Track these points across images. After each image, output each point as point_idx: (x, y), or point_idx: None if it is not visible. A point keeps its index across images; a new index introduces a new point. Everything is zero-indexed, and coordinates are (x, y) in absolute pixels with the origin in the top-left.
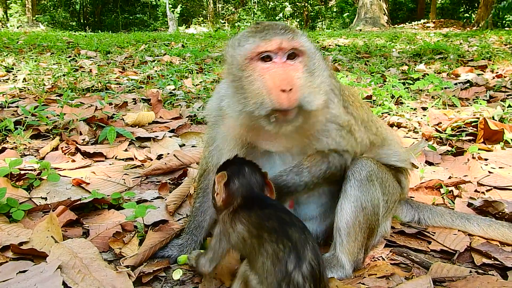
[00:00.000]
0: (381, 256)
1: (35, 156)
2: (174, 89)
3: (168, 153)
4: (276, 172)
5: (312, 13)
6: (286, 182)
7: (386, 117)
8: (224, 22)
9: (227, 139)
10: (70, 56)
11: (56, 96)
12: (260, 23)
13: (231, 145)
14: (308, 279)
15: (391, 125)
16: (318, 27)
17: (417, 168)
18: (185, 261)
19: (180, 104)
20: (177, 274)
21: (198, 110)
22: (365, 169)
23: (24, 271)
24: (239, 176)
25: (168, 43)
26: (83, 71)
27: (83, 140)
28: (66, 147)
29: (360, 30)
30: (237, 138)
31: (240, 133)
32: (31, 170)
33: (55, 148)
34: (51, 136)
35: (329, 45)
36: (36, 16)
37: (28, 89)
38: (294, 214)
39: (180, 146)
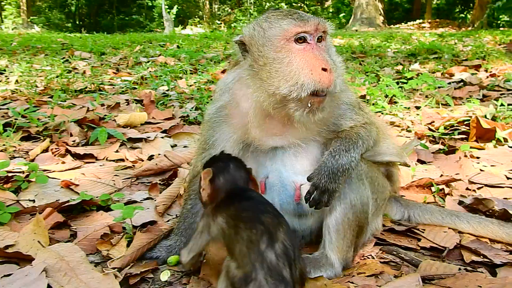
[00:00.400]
0: (371, 255)
1: (25, 158)
2: (167, 90)
3: (159, 154)
4: (283, 170)
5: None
6: (340, 161)
7: (379, 116)
8: (220, 23)
9: (230, 140)
10: (64, 58)
11: (48, 98)
12: (282, 9)
13: (234, 145)
14: (281, 257)
15: None
16: None
17: (409, 166)
18: (175, 262)
19: (173, 105)
20: (165, 276)
21: (191, 110)
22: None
23: (9, 275)
24: (224, 172)
25: (164, 44)
26: (77, 73)
27: (74, 141)
28: (56, 148)
29: (356, 30)
30: (243, 137)
31: (246, 129)
32: (19, 172)
33: (45, 150)
34: (42, 138)
35: None
36: (31, 17)
37: (20, 91)
38: (271, 203)
39: (172, 146)
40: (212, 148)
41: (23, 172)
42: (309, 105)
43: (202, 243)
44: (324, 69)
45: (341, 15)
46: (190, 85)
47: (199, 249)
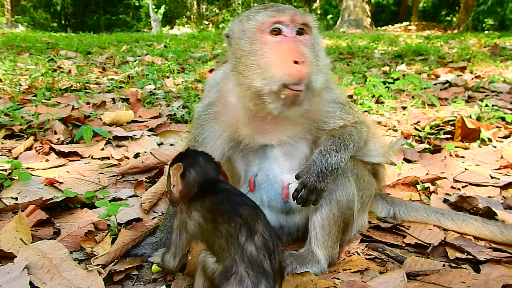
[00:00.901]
0: (357, 251)
1: (8, 156)
2: (154, 89)
3: (145, 152)
4: (272, 168)
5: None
6: (330, 161)
7: (366, 115)
8: (208, 24)
9: (220, 138)
10: (49, 57)
11: (33, 96)
12: (267, 3)
13: (223, 143)
14: (261, 249)
15: None
16: None
17: (395, 165)
18: (157, 271)
19: (160, 104)
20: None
21: (178, 109)
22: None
23: None
24: (195, 165)
25: (151, 44)
26: (62, 71)
27: (58, 139)
28: (40, 146)
29: (344, 31)
30: (233, 135)
31: (236, 127)
32: (1, 170)
33: (29, 148)
34: (25, 136)
35: None
36: (16, 17)
37: (4, 90)
38: (246, 195)
39: (159, 144)
40: (201, 146)
41: (5, 170)
42: (283, 97)
43: (183, 244)
44: (296, 62)
45: (329, 16)
46: (177, 84)
47: (182, 251)
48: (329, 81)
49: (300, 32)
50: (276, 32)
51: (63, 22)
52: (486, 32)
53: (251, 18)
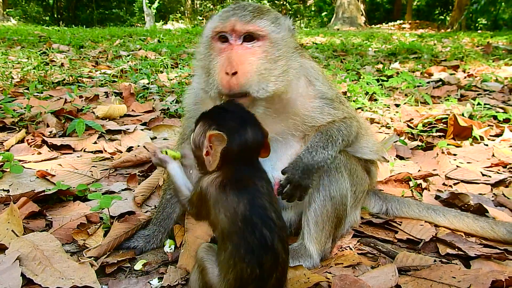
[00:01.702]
0: (349, 246)
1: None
2: (147, 83)
3: (138, 146)
4: (267, 164)
5: (290, 12)
6: (316, 158)
7: (359, 113)
8: (202, 19)
9: None
10: (41, 50)
11: (25, 89)
12: (238, 3)
13: None
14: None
15: None
16: (296, 25)
17: (388, 161)
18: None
19: (153, 98)
20: (139, 265)
21: (171, 103)
22: (334, 159)
23: None
24: (241, 141)
25: (144, 39)
26: (54, 65)
27: (50, 132)
28: (32, 139)
29: (338, 29)
30: None
31: None
32: None
33: (21, 141)
34: (17, 128)
35: (307, 43)
36: (7, 10)
37: None
38: (276, 199)
39: (152, 139)
40: (189, 139)
41: None
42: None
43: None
44: (227, 73)
45: (323, 13)
46: (171, 79)
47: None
48: (312, 80)
49: (249, 39)
50: (224, 39)
51: (55, 15)
52: (479, 31)
53: (209, 22)
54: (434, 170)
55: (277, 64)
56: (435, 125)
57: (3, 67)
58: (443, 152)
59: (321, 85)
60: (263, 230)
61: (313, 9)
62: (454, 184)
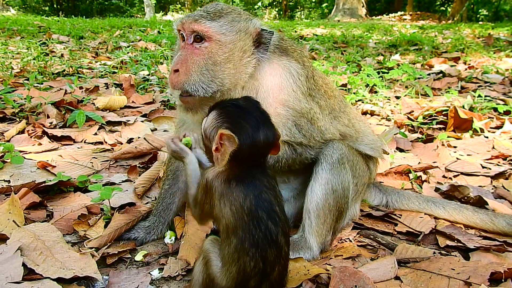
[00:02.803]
0: (348, 238)
1: (0, 139)
2: (148, 75)
3: (139, 137)
4: None
5: (291, 3)
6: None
7: (359, 105)
8: None
9: (198, 122)
10: (41, 41)
11: (25, 80)
12: (210, 4)
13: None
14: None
15: (365, 113)
16: (297, 16)
17: (388, 154)
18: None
19: (153, 90)
20: (139, 256)
21: (171, 95)
22: (336, 152)
23: None
24: (251, 143)
25: (144, 29)
26: (54, 56)
27: (51, 123)
28: (32, 130)
29: (338, 20)
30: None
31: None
32: None
33: (21, 132)
34: (17, 119)
35: (307, 35)
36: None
37: None
38: (280, 194)
39: (152, 130)
40: (184, 124)
41: None
42: (177, 99)
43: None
44: (176, 70)
45: (324, 5)
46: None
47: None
48: (285, 85)
49: (198, 39)
50: (183, 37)
51: (55, 6)
52: (480, 22)
53: None
54: (434, 162)
55: (222, 66)
56: (436, 117)
57: (2, 58)
58: (443, 145)
59: (293, 92)
60: (268, 223)
61: (313, 0)
62: (454, 176)
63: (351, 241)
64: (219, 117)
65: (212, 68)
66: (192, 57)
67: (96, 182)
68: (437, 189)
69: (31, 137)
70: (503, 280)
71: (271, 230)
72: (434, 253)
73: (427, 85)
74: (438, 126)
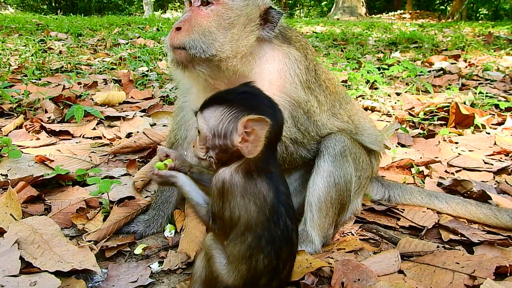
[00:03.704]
0: (351, 232)
1: None
2: (147, 70)
3: (138, 132)
4: None
5: (290, 1)
6: None
7: (360, 101)
8: None
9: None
10: (39, 38)
11: (23, 76)
12: None
13: None
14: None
15: (365, 109)
16: (296, 14)
17: (389, 149)
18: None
19: (152, 85)
20: (139, 249)
21: (171, 90)
22: (339, 144)
23: None
24: (277, 124)
25: (143, 27)
26: (52, 53)
27: (49, 118)
28: (30, 125)
29: (338, 19)
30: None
31: (203, 95)
32: None
33: (19, 127)
34: (15, 114)
35: (306, 32)
36: None
37: None
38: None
39: (151, 125)
40: (182, 111)
41: None
42: (172, 57)
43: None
44: (178, 29)
45: (323, 3)
46: (170, 66)
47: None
48: (288, 67)
49: (205, 3)
50: (190, 3)
51: (53, 4)
52: (480, 21)
53: None
54: (435, 157)
55: (226, 31)
56: (437, 114)
57: (0, 54)
58: (444, 140)
59: (290, 78)
60: (286, 219)
61: None
62: (456, 171)
63: (353, 234)
64: (232, 107)
65: (215, 31)
66: (197, 18)
67: (95, 176)
68: (439, 184)
69: (29, 132)
70: (508, 274)
71: (288, 227)
72: (438, 247)
73: (427, 82)
74: (439, 122)
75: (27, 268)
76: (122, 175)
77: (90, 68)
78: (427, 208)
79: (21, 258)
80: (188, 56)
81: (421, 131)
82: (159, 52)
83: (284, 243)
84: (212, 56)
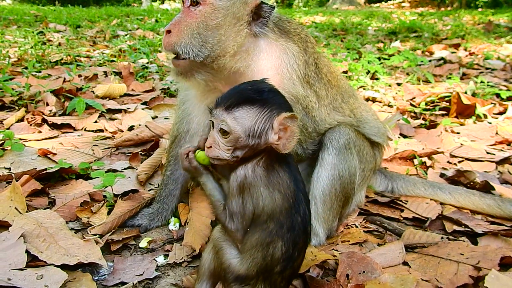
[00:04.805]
0: (355, 224)
1: None
2: (147, 63)
3: (140, 125)
4: None
5: None
6: None
7: (361, 92)
8: None
9: (196, 101)
10: (37, 30)
11: (23, 68)
12: None
13: (201, 108)
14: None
15: (366, 100)
16: (295, 4)
17: (391, 140)
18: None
19: (153, 77)
20: (144, 243)
21: (171, 83)
22: (343, 136)
23: None
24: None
25: (142, 18)
26: (51, 45)
27: (50, 111)
28: (32, 118)
29: (337, 8)
30: (204, 99)
31: (203, 89)
32: None
33: (21, 120)
34: (16, 107)
35: (306, 22)
36: None
37: None
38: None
39: (153, 118)
40: (183, 104)
41: None
42: (172, 67)
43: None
44: (169, 31)
45: None
46: (169, 59)
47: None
48: (286, 62)
49: (194, 3)
50: (183, 1)
51: None
52: (479, 9)
53: None
54: (438, 148)
55: (214, 32)
56: (438, 104)
57: (0, 47)
58: (446, 130)
59: (288, 73)
60: (305, 207)
61: None
62: (459, 162)
63: (357, 227)
64: (265, 107)
65: (203, 33)
66: (186, 20)
67: (98, 169)
68: (442, 175)
69: (30, 125)
70: None
71: (306, 214)
72: (442, 238)
73: (428, 72)
74: (441, 112)
75: (33, 261)
76: (125, 168)
77: (90, 60)
78: (430, 199)
79: (27, 251)
80: (185, 64)
81: (423, 122)
82: (159, 44)
83: (302, 230)
84: (205, 58)
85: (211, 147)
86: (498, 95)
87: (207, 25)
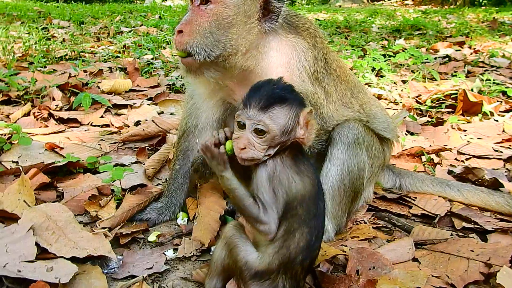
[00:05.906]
0: (363, 220)
1: (5, 122)
2: (152, 58)
3: (146, 120)
4: None
5: None
6: None
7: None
8: None
9: (205, 97)
10: (41, 26)
11: (29, 63)
12: None
13: (209, 103)
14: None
15: None
16: (298, 2)
17: (399, 137)
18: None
19: (158, 73)
20: (153, 237)
21: (177, 78)
22: (352, 132)
23: None
24: None
25: (145, 15)
26: (56, 40)
27: (56, 106)
28: (38, 112)
29: (340, 6)
30: (212, 94)
31: (213, 87)
32: (0, 134)
33: (27, 114)
34: (23, 102)
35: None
36: None
37: None
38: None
39: (159, 113)
40: (192, 99)
41: (5, 134)
42: (181, 65)
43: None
44: (180, 31)
45: None
46: (175, 55)
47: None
48: (295, 58)
49: (204, 1)
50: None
51: None
52: (483, 7)
53: None
54: (445, 145)
55: (226, 30)
56: (444, 101)
57: (4, 42)
58: (453, 128)
59: (297, 70)
60: (323, 196)
61: None
62: (467, 159)
63: (366, 223)
64: (292, 104)
65: (216, 32)
66: (197, 19)
67: (106, 164)
68: (450, 172)
69: (37, 119)
70: None
71: (325, 203)
72: (452, 235)
73: (433, 69)
74: (447, 109)
75: (42, 254)
76: (132, 163)
77: (94, 56)
78: (439, 196)
79: (36, 244)
80: (194, 61)
81: (429, 119)
82: (163, 40)
83: (322, 219)
84: (217, 57)
85: (245, 148)
86: (504, 93)
87: (219, 24)
